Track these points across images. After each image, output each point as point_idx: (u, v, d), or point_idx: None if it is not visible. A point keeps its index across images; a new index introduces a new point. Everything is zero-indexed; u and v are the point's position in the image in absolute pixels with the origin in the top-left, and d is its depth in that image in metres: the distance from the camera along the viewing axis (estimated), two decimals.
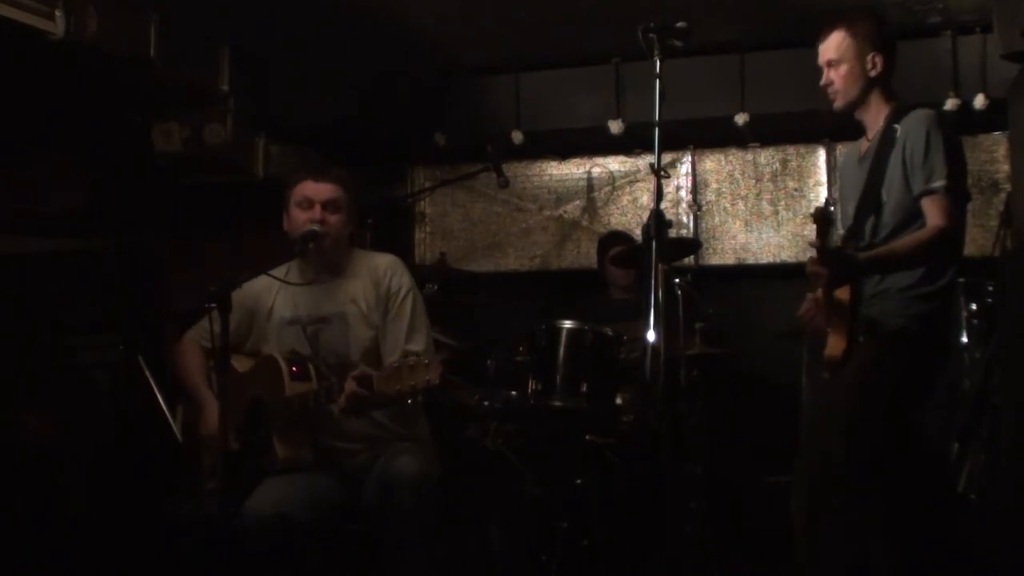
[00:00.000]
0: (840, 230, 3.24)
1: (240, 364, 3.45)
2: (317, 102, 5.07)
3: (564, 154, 5.87)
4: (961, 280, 4.64)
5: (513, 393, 4.05)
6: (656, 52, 3.23)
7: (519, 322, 4.27)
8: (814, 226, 2.94)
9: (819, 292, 3.05)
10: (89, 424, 4.29)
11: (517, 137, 5.43)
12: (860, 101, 3.26)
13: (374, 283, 3.44)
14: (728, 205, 5.65)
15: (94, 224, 4.96)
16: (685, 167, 5.70)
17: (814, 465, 3.13)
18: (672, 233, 4.27)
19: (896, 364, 3.09)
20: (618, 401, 4.13)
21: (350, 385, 3.06)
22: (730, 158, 5.66)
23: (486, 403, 4.12)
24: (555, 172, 5.93)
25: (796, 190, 5.54)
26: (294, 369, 3.30)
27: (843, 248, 3.13)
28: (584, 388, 3.99)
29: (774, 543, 3.45)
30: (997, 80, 4.66)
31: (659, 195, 3.26)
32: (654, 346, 3.24)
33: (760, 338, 5.02)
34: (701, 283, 4.96)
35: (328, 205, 3.40)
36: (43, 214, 4.93)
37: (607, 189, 5.83)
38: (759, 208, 5.60)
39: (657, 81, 3.25)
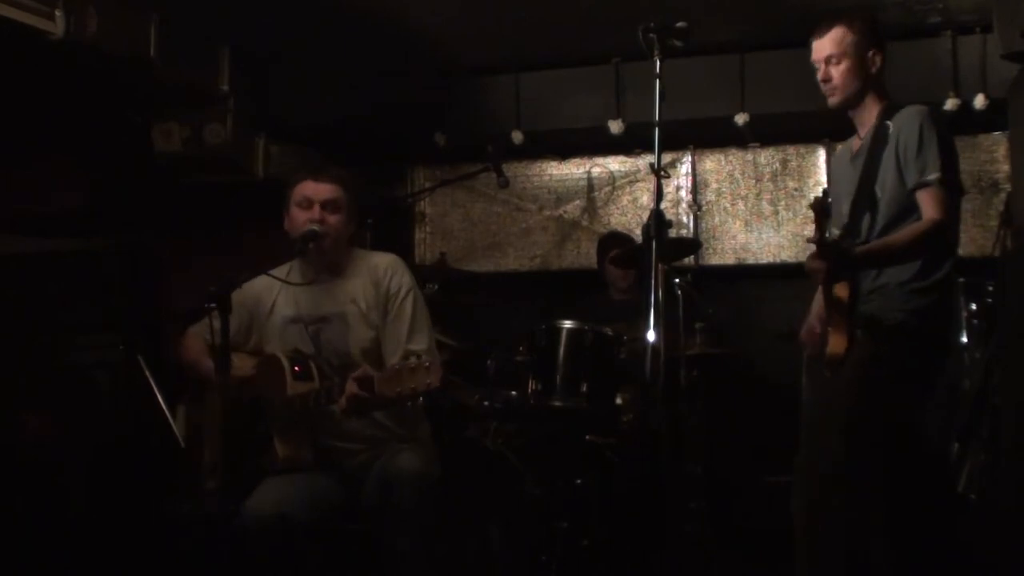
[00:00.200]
0: (835, 228, 3.24)
1: (242, 363, 3.44)
2: (317, 102, 5.07)
3: (564, 154, 5.87)
4: (961, 280, 4.65)
5: (513, 393, 4.05)
6: (656, 52, 3.24)
7: (519, 322, 4.27)
8: (813, 218, 2.95)
9: (819, 293, 3.06)
10: (89, 424, 4.29)
11: (517, 137, 5.43)
12: (857, 98, 3.26)
13: (374, 283, 3.44)
14: (728, 205, 5.65)
15: (94, 224, 4.97)
16: (685, 167, 5.70)
17: (814, 464, 3.13)
18: (672, 233, 4.26)
19: (895, 359, 3.09)
20: (618, 401, 4.13)
21: (351, 386, 3.05)
22: (730, 158, 5.66)
23: (486, 403, 4.12)
24: (555, 172, 5.93)
25: (796, 190, 5.54)
26: (296, 368, 3.29)
27: (840, 241, 3.14)
28: (584, 388, 4.00)
29: (774, 543, 3.45)
30: (997, 80, 4.66)
31: (659, 195, 3.26)
32: (654, 346, 3.25)
33: (760, 338, 5.02)
34: (701, 283, 4.97)
35: (328, 205, 3.39)
36: (43, 214, 4.94)
37: (607, 189, 5.84)
38: (759, 208, 5.60)
39: (657, 81, 3.25)
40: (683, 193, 5.70)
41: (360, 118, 5.26)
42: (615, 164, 5.83)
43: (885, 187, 3.15)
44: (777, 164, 5.58)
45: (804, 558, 3.13)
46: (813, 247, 3.01)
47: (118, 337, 4.29)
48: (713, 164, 5.68)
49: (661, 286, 3.27)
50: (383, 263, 3.49)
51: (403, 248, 5.74)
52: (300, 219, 3.39)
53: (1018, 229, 4.43)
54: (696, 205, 5.67)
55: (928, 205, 3.06)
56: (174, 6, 4.23)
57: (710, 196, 5.68)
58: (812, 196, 3.13)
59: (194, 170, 5.08)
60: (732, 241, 5.63)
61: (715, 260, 5.63)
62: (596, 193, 5.85)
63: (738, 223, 5.63)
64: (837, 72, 3.22)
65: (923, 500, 3.30)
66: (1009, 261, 4.45)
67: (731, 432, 4.84)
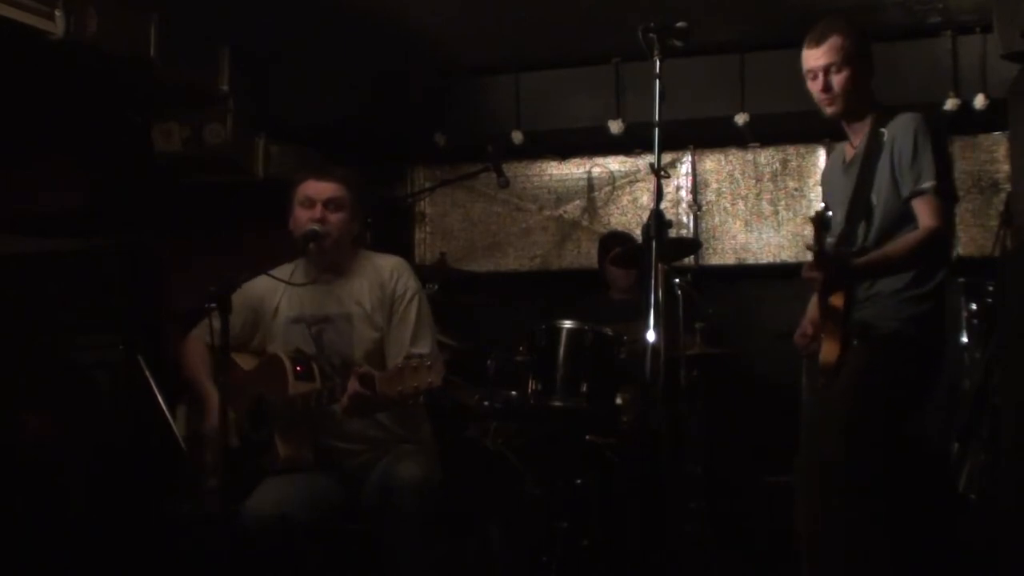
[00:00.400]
0: (828, 236, 3.24)
1: (245, 362, 3.45)
2: (317, 102, 5.07)
3: (564, 154, 5.87)
4: (961, 280, 4.66)
5: (513, 393, 4.05)
6: (656, 52, 3.23)
7: (519, 322, 4.27)
8: (812, 231, 2.95)
9: (815, 299, 3.06)
10: (89, 424, 4.29)
11: (517, 137, 5.43)
12: (855, 106, 3.24)
13: (379, 284, 3.43)
14: (728, 205, 5.65)
15: (94, 224, 4.97)
16: (685, 167, 5.70)
17: (814, 464, 3.13)
18: (672, 233, 4.27)
19: (889, 368, 3.10)
20: (618, 401, 4.13)
21: (353, 383, 3.06)
22: (730, 158, 5.66)
23: (486, 403, 4.11)
24: (555, 172, 5.93)
25: (796, 190, 5.54)
26: (298, 368, 3.30)
27: (839, 252, 3.13)
28: (584, 388, 3.99)
29: (774, 543, 3.46)
30: (997, 80, 4.66)
31: (659, 195, 3.26)
32: (654, 346, 3.25)
33: (760, 338, 5.02)
34: (701, 283, 4.96)
35: (330, 204, 3.39)
36: (43, 214, 4.94)
37: (607, 189, 5.84)
38: (759, 208, 5.60)
39: (657, 81, 3.24)
40: (683, 193, 5.70)
41: (360, 118, 5.26)
42: (615, 164, 5.83)
43: (881, 195, 3.15)
44: (777, 164, 5.58)
45: (804, 558, 3.13)
46: (811, 252, 3.01)
47: (118, 337, 4.29)
48: (713, 164, 5.68)
49: (661, 286, 3.27)
50: (388, 265, 3.49)
51: (403, 248, 5.74)
52: (302, 218, 3.40)
53: (1018, 229, 4.43)
54: (696, 205, 5.67)
55: (924, 213, 3.06)
56: (174, 6, 4.23)
57: (710, 196, 5.68)
58: (813, 209, 3.12)
59: (194, 170, 5.08)
60: (732, 241, 5.63)
61: (715, 260, 5.63)
62: (596, 193, 5.85)
63: (738, 223, 5.63)
64: (838, 80, 3.19)
65: (923, 500, 3.30)
66: (1009, 261, 4.45)
67: (731, 432, 4.84)
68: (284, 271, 3.46)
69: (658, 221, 3.23)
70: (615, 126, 5.27)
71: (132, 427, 4.24)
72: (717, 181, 5.67)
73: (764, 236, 5.58)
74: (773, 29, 4.80)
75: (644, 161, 5.64)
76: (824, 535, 3.08)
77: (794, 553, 3.17)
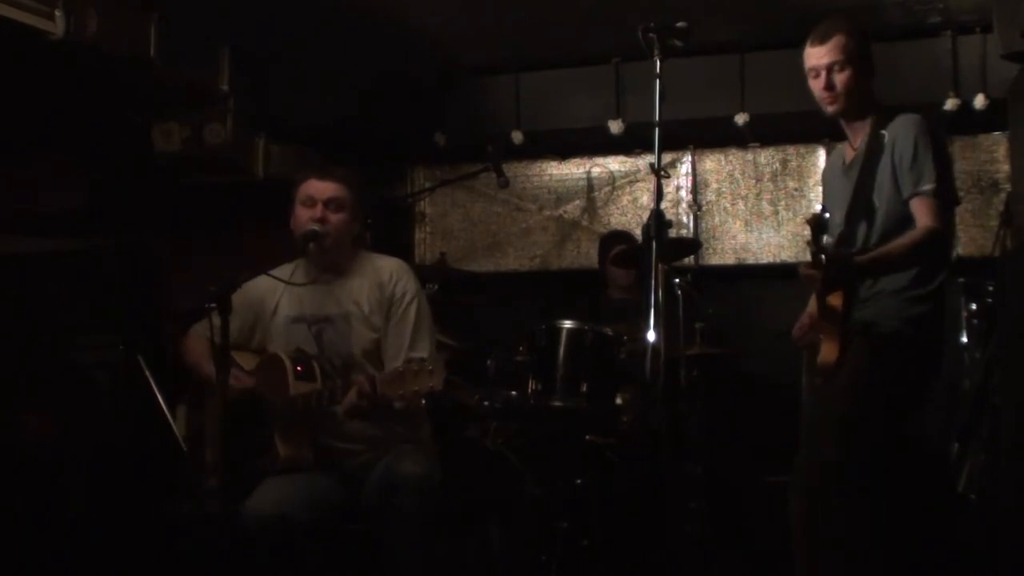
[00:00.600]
0: (827, 237, 3.24)
1: (245, 361, 3.44)
2: (317, 102, 5.07)
3: (564, 154, 5.87)
4: (961, 280, 4.66)
5: (513, 393, 4.05)
6: (656, 52, 3.23)
7: (519, 322, 4.27)
8: (809, 233, 2.95)
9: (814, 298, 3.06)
10: (89, 424, 4.29)
11: (517, 137, 5.43)
12: (857, 105, 3.25)
13: (378, 286, 3.43)
14: (728, 205, 5.65)
15: (94, 224, 4.96)
16: (685, 167, 5.70)
17: (813, 464, 3.13)
18: (672, 233, 4.27)
19: (889, 368, 3.10)
20: (618, 401, 4.13)
21: (353, 395, 3.07)
22: (730, 158, 5.66)
23: (486, 403, 4.11)
24: (555, 172, 5.93)
25: (796, 190, 5.54)
26: (299, 368, 3.29)
27: (838, 251, 3.13)
28: (584, 388, 3.99)
29: (774, 543, 3.45)
30: (997, 80, 4.66)
31: (659, 195, 3.26)
32: (654, 346, 3.25)
33: (760, 338, 5.02)
34: (701, 283, 4.97)
35: (330, 203, 3.39)
36: (43, 214, 4.94)
37: (607, 189, 5.83)
38: (759, 208, 5.60)
39: (657, 81, 3.25)
40: (683, 193, 5.70)
41: (360, 118, 5.26)
42: (615, 164, 5.83)
43: (883, 196, 3.16)
44: (777, 164, 5.58)
45: (803, 558, 3.13)
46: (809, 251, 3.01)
47: (118, 337, 4.29)
48: (713, 164, 5.68)
49: (661, 286, 3.27)
50: (388, 266, 3.49)
51: (403, 248, 5.75)
52: (303, 218, 3.40)
53: (1018, 229, 4.43)
54: (696, 205, 5.67)
55: (923, 214, 3.07)
56: (174, 6, 4.23)
57: (710, 196, 5.68)
58: (810, 212, 3.13)
59: (194, 170, 5.08)
60: (732, 241, 5.63)
61: (715, 260, 5.63)
62: (596, 193, 5.85)
63: (738, 223, 5.63)
64: (841, 79, 3.19)
65: (923, 500, 3.30)
66: (1009, 261, 4.45)
67: (731, 432, 4.83)
68: (284, 271, 3.46)
69: (658, 221, 3.23)
70: (615, 126, 5.27)
71: (132, 427, 4.24)
72: (717, 181, 5.67)
73: (764, 236, 5.58)
74: (773, 29, 4.80)
75: (644, 161, 5.64)
76: (823, 535, 3.08)
77: (793, 553, 3.17)
